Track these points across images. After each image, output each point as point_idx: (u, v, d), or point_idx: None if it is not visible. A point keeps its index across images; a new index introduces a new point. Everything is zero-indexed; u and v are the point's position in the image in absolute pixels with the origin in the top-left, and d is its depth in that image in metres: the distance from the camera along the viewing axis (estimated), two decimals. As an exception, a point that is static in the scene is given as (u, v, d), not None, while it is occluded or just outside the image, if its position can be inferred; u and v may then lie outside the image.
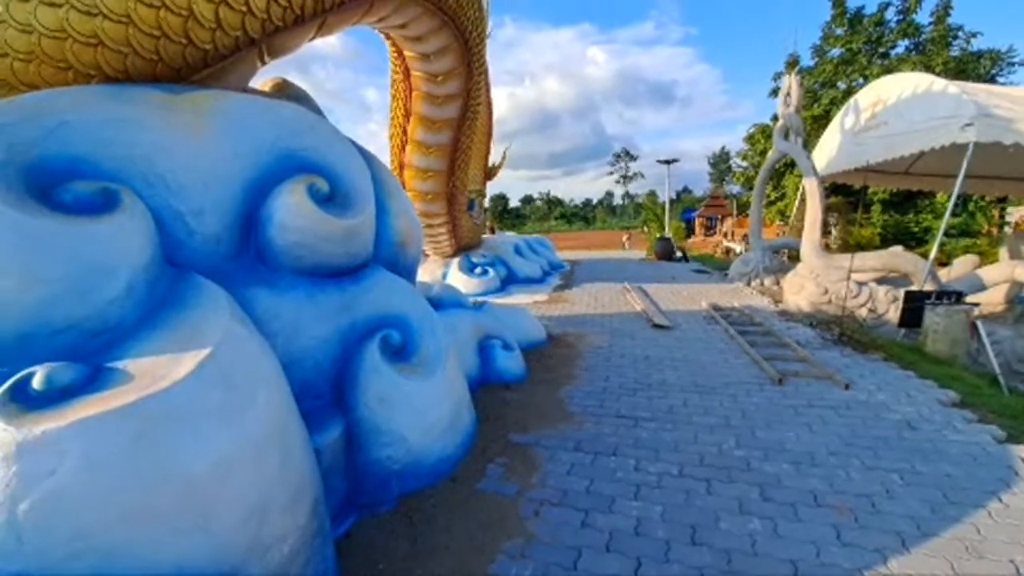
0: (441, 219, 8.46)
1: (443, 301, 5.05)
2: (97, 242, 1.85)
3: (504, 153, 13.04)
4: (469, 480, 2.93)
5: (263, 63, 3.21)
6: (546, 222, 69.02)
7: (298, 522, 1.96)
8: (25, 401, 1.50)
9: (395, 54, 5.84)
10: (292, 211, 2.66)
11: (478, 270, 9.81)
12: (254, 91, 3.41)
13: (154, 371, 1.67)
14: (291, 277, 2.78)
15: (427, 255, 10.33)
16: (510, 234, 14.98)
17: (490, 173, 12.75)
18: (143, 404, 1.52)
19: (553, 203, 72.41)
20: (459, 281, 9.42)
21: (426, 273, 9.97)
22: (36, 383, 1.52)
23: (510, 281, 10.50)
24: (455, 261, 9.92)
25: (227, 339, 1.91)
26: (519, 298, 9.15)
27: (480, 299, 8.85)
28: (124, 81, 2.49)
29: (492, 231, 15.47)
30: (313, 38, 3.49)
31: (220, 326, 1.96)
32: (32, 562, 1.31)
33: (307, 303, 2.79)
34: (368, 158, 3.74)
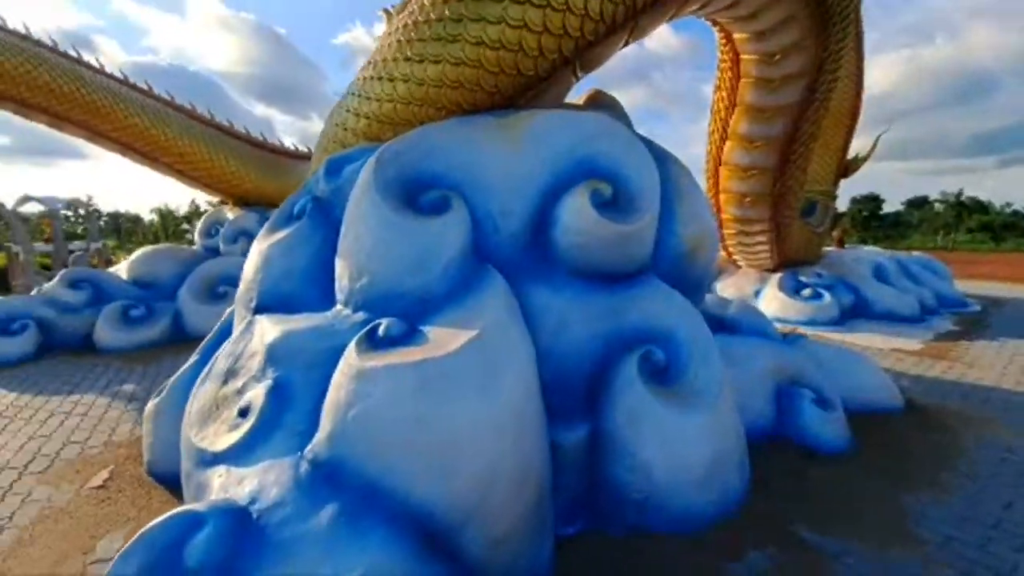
0: (761, 226, 7.18)
1: (739, 324, 4.28)
2: (429, 235, 2.48)
3: (874, 142, 9.82)
4: (720, 553, 2.36)
5: (577, 79, 3.49)
6: (953, 235, 47.96)
7: (522, 502, 2.08)
8: (371, 342, 2.16)
9: (723, 39, 5.24)
10: (574, 214, 2.80)
11: (806, 291, 7.83)
12: (569, 105, 3.77)
13: (440, 339, 2.10)
14: (567, 276, 2.94)
15: (738, 266, 9.06)
16: (872, 248, 11.20)
17: (846, 169, 9.91)
18: (424, 364, 1.94)
19: (966, 207, 49.88)
20: (776, 303, 7.81)
21: (733, 287, 8.78)
22: (380, 331, 2.17)
23: (857, 313, 7.89)
24: (775, 277, 8.26)
25: (494, 325, 2.20)
26: (868, 339, 6.76)
27: (801, 330, 7.07)
28: (473, 112, 3.21)
29: (840, 243, 11.99)
30: (625, 44, 3.53)
31: (493, 313, 2.27)
32: (340, 451, 1.89)
33: (577, 302, 2.89)
34: (663, 158, 3.51)
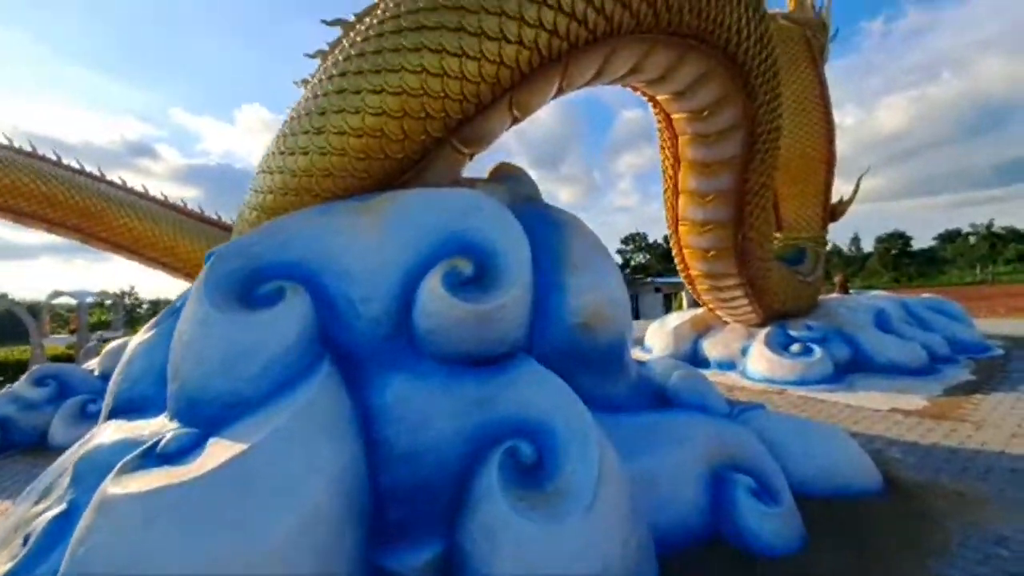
0: (732, 280, 6.80)
1: (678, 396, 3.86)
2: (250, 331, 2.32)
3: (857, 183, 9.54)
4: None
5: (465, 155, 3.45)
6: (991, 267, 45.25)
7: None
8: (146, 461, 1.94)
9: (648, 100, 5.26)
10: (426, 295, 2.62)
11: (795, 347, 7.23)
12: (467, 180, 3.73)
13: (211, 457, 1.86)
14: (431, 363, 2.71)
15: (725, 322, 8.56)
16: (877, 293, 10.46)
17: (833, 213, 9.58)
18: (158, 493, 1.69)
19: (1000, 237, 47.58)
20: (763, 361, 7.21)
21: (720, 345, 8.23)
22: (160, 446, 1.96)
23: (856, 367, 7.17)
24: (762, 333, 7.71)
25: (280, 437, 1.95)
26: (866, 398, 6.07)
27: (792, 391, 6.42)
28: (350, 197, 3.18)
29: (844, 289, 11.29)
30: (514, 120, 3.52)
31: (286, 420, 2.03)
32: None
33: (443, 394, 2.62)
34: (559, 225, 3.36)
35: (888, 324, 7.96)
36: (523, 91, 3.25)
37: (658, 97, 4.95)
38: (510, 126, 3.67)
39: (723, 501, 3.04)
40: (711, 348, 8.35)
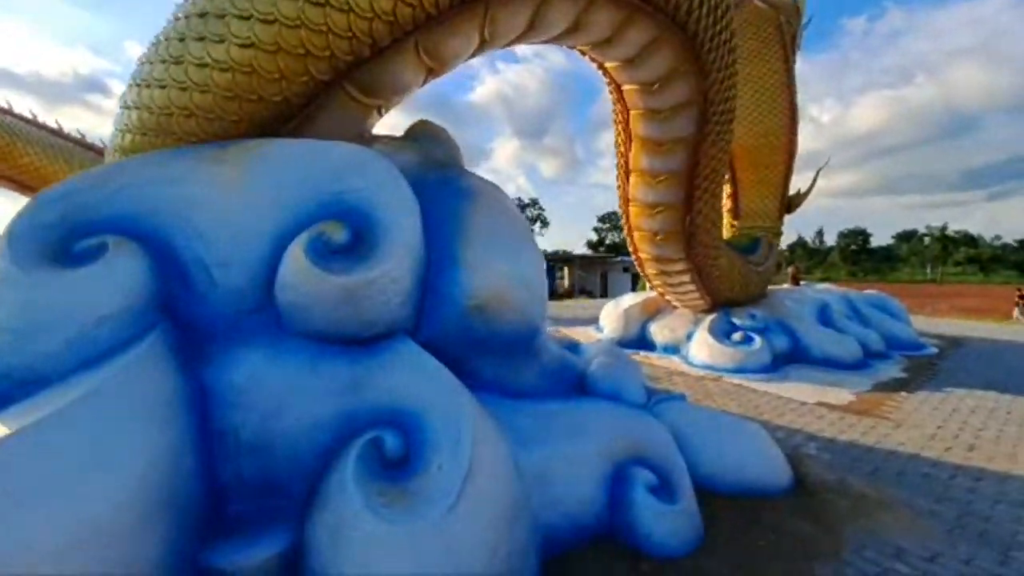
0: (680, 265, 6.65)
1: (595, 384, 3.68)
2: (55, 293, 1.93)
3: (815, 177, 9.49)
4: None
5: (365, 106, 3.03)
6: (941, 268, 47.65)
7: None
8: None
9: (598, 68, 4.89)
10: (287, 264, 2.26)
11: (736, 335, 7.22)
12: (375, 137, 3.31)
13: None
14: (297, 341, 2.38)
15: (675, 306, 8.50)
16: (824, 286, 10.64)
17: (790, 205, 9.54)
18: None
19: (952, 240, 50.04)
20: (705, 348, 7.19)
21: (666, 329, 8.18)
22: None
23: (794, 358, 7.25)
24: (708, 320, 7.68)
25: (63, 420, 1.60)
26: (797, 389, 6.10)
27: (728, 378, 6.42)
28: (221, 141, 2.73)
29: (795, 281, 11.45)
30: (430, 72, 3.10)
31: (84, 399, 1.68)
32: None
33: (305, 374, 2.30)
34: (468, 194, 3.02)
35: (830, 318, 8.07)
36: (432, 35, 2.83)
37: (607, 64, 4.58)
38: (426, 78, 3.25)
39: (620, 497, 2.89)
40: (658, 332, 8.30)
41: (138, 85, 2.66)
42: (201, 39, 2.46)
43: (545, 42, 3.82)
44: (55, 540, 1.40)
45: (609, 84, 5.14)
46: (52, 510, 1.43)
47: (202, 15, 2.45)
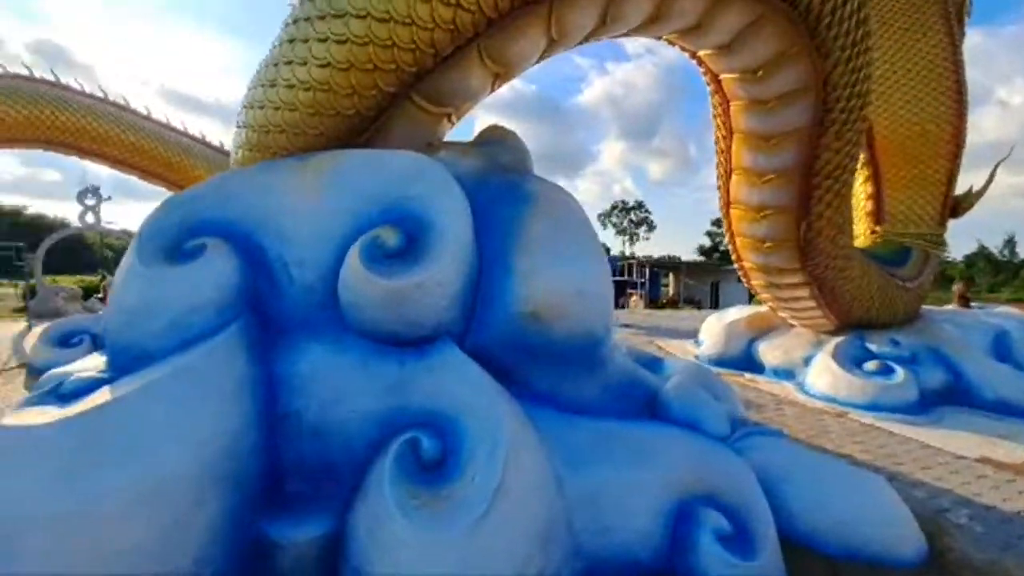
0: (794, 277, 5.74)
1: (669, 407, 3.32)
2: (162, 285, 2.30)
3: (993, 170, 7.57)
4: None
5: (435, 114, 3.14)
6: None
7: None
8: (51, 396, 2.01)
9: (691, 57, 4.43)
10: (346, 266, 2.42)
11: (871, 364, 6.00)
12: (445, 144, 3.41)
13: (73, 409, 1.85)
14: (354, 339, 2.52)
15: (791, 324, 7.39)
16: (1006, 310, 8.32)
17: (955, 207, 7.76)
18: (34, 431, 1.71)
19: None
20: (827, 376, 6.11)
21: (779, 351, 7.15)
22: (64, 385, 2.02)
23: (954, 399, 5.79)
24: (832, 342, 6.52)
25: (140, 395, 1.90)
26: (953, 439, 4.87)
27: (859, 416, 5.33)
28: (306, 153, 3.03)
29: (964, 301, 9.13)
30: (497, 79, 3.12)
31: (170, 376, 1.97)
32: None
33: (358, 370, 2.43)
34: (527, 200, 2.93)
35: (1008, 350, 6.31)
36: (495, 40, 2.83)
37: (700, 53, 4.15)
38: (494, 84, 3.26)
39: (683, 537, 2.55)
40: (768, 352, 7.29)
41: (245, 108, 3.08)
42: (289, 63, 2.77)
43: (626, 35, 3.59)
44: (123, 497, 1.64)
45: (705, 74, 4.66)
46: (126, 470, 1.69)
47: (291, 41, 2.76)
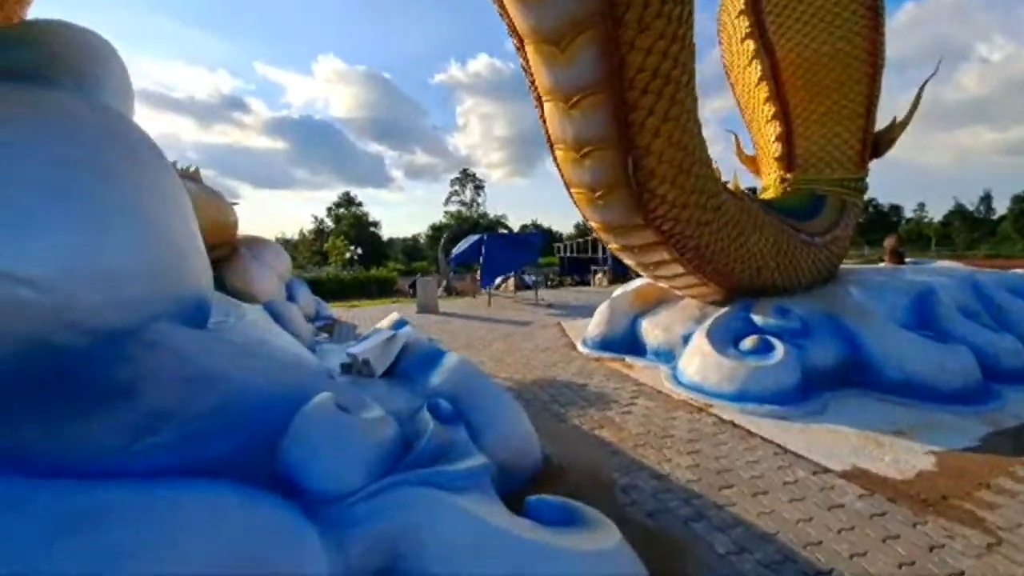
0: (642, 237, 4.44)
1: (285, 454, 2.03)
2: None
3: (918, 93, 6.30)
4: None
5: None
6: None
7: None
8: None
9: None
10: None
11: (748, 341, 4.77)
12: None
13: None
14: None
15: (679, 296, 6.15)
16: (941, 264, 7.13)
17: (876, 144, 6.50)
18: None
19: None
20: (696, 358, 4.88)
21: (660, 327, 5.92)
22: None
23: (845, 380, 4.59)
24: (713, 316, 5.28)
25: None
26: (833, 437, 3.68)
27: (718, 407, 4.09)
28: None
29: (896, 257, 7.90)
30: None
31: None
32: None
33: None
34: None
35: (931, 314, 5.11)
36: None
37: None
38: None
39: None
40: (649, 330, 6.06)
41: None
42: None
43: None
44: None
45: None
46: None
47: None
